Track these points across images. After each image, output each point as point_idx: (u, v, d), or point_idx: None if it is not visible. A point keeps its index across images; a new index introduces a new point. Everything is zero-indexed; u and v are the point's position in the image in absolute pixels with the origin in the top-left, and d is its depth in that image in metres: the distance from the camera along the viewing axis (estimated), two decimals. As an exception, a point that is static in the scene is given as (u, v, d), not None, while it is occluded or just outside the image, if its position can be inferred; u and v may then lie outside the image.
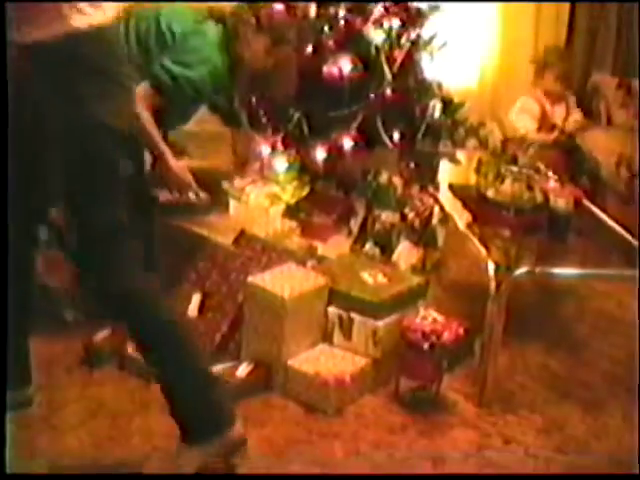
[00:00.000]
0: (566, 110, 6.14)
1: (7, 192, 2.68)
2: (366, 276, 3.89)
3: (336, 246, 4.29)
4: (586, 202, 4.44)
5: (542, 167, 4.61)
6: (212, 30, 4.13)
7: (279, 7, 3.61)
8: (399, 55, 4.61)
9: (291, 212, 4.41)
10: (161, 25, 4.06)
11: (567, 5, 6.53)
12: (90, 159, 2.70)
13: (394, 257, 4.26)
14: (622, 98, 6.20)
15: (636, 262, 3.79)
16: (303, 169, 4.49)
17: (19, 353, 3.15)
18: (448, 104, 4.76)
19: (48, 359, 3.67)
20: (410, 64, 4.68)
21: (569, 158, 5.84)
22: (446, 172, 4.64)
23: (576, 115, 6.15)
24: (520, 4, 6.43)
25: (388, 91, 4.55)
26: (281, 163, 4.48)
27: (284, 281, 3.71)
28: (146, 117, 3.94)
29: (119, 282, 2.82)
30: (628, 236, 4.10)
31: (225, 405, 3.04)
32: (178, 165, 4.17)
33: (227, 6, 4.23)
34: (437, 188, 4.51)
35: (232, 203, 4.41)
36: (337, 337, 3.80)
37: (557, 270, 3.97)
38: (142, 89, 3.88)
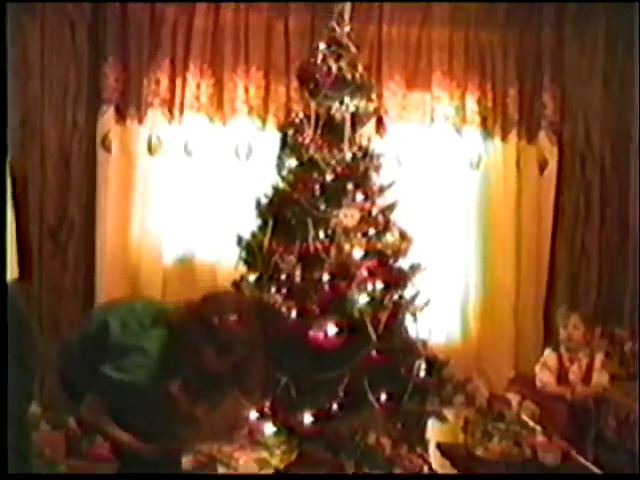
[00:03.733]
0: (586, 369, 5.70)
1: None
2: None
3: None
4: (574, 454, 4.44)
5: (529, 422, 4.65)
6: (154, 341, 3.77)
7: (233, 317, 3.70)
8: (383, 316, 4.71)
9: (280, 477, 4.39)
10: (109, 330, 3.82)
11: (547, 249, 6.60)
12: None
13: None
14: (605, 348, 6.12)
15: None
16: (291, 432, 4.50)
17: None
18: (433, 362, 4.82)
19: None
20: (394, 325, 4.78)
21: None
22: (434, 430, 4.65)
23: (601, 377, 5.68)
24: (499, 254, 6.50)
25: (373, 352, 4.63)
26: (269, 427, 4.50)
27: None
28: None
29: None
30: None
31: None
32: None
33: (178, 310, 3.86)
34: (425, 448, 4.50)
35: (220, 469, 4.39)
36: None
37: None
38: (89, 400, 3.76)
